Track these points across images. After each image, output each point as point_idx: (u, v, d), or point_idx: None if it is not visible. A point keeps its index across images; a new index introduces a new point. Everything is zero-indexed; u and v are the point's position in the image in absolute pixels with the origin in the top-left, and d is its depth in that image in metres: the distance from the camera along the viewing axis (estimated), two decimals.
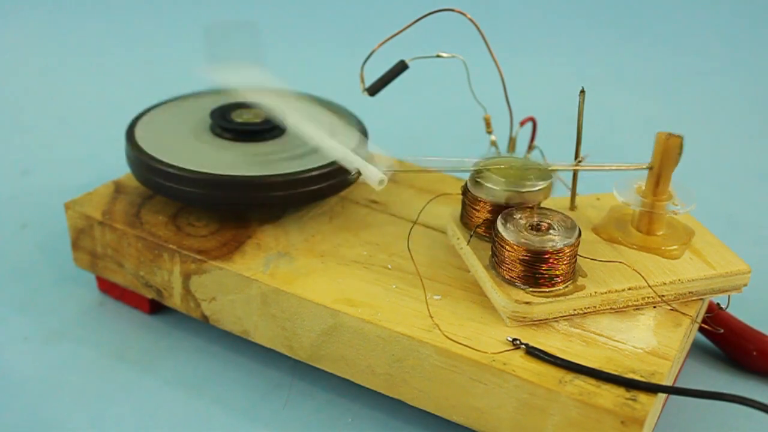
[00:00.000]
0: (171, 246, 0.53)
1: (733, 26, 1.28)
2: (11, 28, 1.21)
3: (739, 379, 0.56)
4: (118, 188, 0.60)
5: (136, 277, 0.56)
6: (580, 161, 0.51)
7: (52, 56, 1.12)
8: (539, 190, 0.49)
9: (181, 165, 0.54)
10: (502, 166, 0.50)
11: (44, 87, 1.03)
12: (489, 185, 0.49)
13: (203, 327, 0.58)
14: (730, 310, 0.54)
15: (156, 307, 0.59)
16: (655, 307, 0.48)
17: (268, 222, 0.56)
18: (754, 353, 0.55)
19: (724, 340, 0.56)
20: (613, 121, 1.00)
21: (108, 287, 0.61)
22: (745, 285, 0.49)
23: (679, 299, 0.48)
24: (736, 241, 0.56)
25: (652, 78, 1.16)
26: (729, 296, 0.51)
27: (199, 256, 0.52)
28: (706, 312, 0.54)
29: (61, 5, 1.27)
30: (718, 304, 0.54)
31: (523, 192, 0.49)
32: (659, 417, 0.50)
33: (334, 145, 0.52)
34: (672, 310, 0.48)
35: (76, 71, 1.08)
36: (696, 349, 0.58)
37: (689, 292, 0.48)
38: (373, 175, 0.49)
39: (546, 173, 0.50)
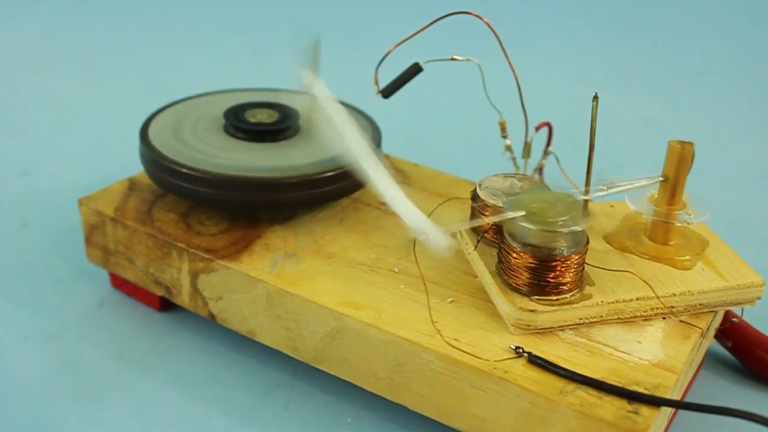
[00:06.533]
0: (180, 244, 0.53)
1: (732, 26, 1.26)
2: (12, 28, 1.22)
3: (757, 391, 0.54)
4: (132, 185, 0.60)
5: (146, 274, 0.56)
6: (606, 187, 0.48)
7: (52, 56, 1.13)
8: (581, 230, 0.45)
9: (192, 164, 0.54)
10: (535, 204, 0.45)
11: (45, 87, 1.03)
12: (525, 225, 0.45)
13: (211, 325, 0.58)
14: (747, 319, 0.53)
15: (167, 305, 0.60)
16: (664, 318, 0.47)
17: (278, 222, 0.56)
18: None
19: (741, 351, 0.55)
20: (620, 123, 0.99)
21: (120, 283, 0.61)
22: (759, 298, 0.48)
23: (689, 311, 0.47)
24: (736, 242, 0.55)
25: (653, 78, 1.15)
26: (743, 308, 0.50)
27: (207, 255, 0.52)
28: (722, 323, 0.53)
29: (65, 4, 1.28)
30: (732, 315, 0.53)
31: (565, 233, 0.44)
32: (667, 430, 0.49)
33: (406, 205, 0.49)
34: (681, 321, 0.47)
35: (77, 71, 1.09)
36: (713, 359, 0.57)
37: (700, 304, 0.47)
38: (441, 242, 0.46)
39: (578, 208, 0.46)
